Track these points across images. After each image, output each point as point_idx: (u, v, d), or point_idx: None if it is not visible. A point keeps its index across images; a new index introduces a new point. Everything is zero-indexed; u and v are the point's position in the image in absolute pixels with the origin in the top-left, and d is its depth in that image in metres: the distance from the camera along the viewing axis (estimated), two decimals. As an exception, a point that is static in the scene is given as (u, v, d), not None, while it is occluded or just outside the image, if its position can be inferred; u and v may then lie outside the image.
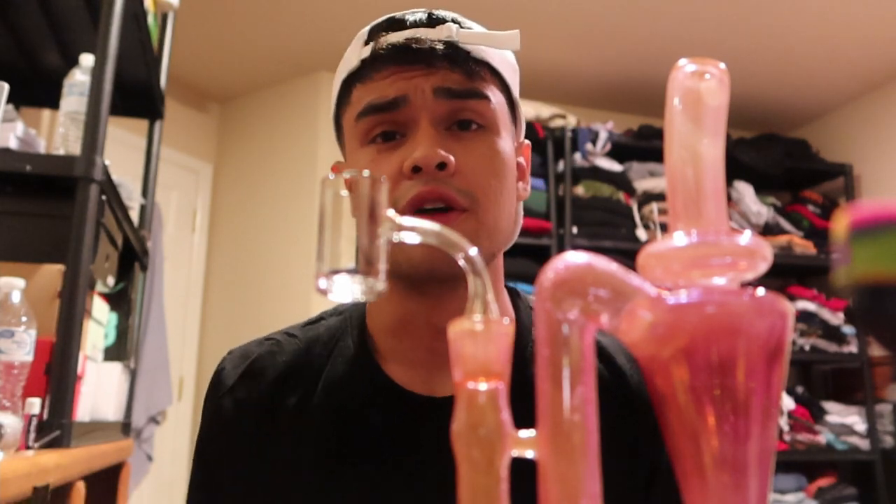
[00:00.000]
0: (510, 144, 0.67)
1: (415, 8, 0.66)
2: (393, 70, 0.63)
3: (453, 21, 0.65)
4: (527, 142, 0.73)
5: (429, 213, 0.60)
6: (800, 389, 3.12)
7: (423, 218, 0.56)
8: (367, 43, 0.65)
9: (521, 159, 0.71)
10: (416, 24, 0.64)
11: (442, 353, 0.61)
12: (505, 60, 0.67)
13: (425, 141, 0.60)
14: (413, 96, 0.62)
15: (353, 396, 0.66)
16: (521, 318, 0.69)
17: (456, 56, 0.63)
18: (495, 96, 0.65)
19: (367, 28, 0.67)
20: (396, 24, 0.64)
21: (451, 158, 0.60)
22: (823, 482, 3.00)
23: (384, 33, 0.64)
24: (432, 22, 0.64)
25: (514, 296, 0.72)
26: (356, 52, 0.66)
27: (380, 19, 0.66)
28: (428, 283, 0.63)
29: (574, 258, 0.26)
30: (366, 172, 0.27)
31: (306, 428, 0.65)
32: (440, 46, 0.62)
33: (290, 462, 0.64)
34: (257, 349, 0.70)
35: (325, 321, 0.72)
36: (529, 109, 3.00)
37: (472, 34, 0.64)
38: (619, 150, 3.08)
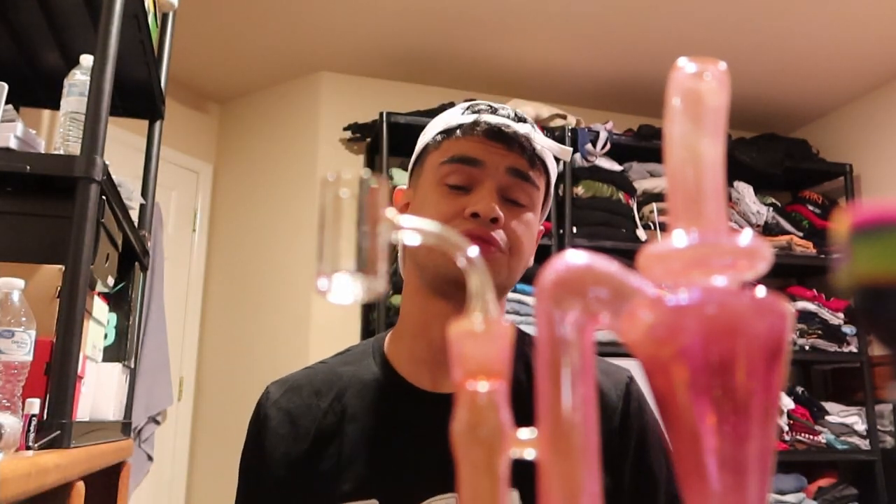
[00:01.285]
0: (537, 221, 0.85)
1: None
2: (482, 140, 0.80)
3: (529, 122, 0.85)
4: (543, 226, 0.90)
5: (476, 240, 0.74)
6: (800, 389, 3.12)
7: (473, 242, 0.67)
8: (466, 111, 0.84)
9: (538, 235, 0.88)
10: (507, 116, 0.83)
11: (448, 352, 0.73)
12: (552, 164, 0.86)
13: (489, 197, 0.78)
14: (489, 163, 0.80)
15: (374, 392, 0.81)
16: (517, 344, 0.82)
17: (525, 148, 0.81)
18: (540, 186, 0.83)
19: (471, 102, 0.87)
20: (495, 110, 0.83)
21: (503, 217, 0.78)
22: (823, 482, 3.00)
23: (484, 112, 0.83)
24: (518, 118, 0.83)
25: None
26: (457, 114, 0.84)
27: (481, 102, 0.86)
28: (458, 290, 0.74)
29: (574, 258, 0.26)
30: (367, 172, 0.27)
31: (343, 427, 0.79)
32: (518, 137, 0.80)
33: (336, 452, 0.78)
34: (296, 374, 0.86)
35: (353, 348, 0.89)
36: (529, 109, 3.01)
37: (542, 138, 0.84)
38: (619, 150, 3.08)
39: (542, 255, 2.79)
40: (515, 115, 0.84)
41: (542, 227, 0.89)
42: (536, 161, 0.82)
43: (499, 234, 0.78)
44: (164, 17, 1.99)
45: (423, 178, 0.84)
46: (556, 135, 3.04)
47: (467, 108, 0.85)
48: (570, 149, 0.79)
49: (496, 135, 0.80)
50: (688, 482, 0.24)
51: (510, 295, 2.64)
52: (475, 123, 0.81)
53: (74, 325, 1.12)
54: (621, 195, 3.05)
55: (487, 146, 0.80)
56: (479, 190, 0.79)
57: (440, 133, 0.84)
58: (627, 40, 3.02)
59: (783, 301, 0.25)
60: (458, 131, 0.82)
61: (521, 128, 0.82)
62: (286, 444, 0.80)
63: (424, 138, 0.87)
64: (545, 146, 0.83)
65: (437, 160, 0.82)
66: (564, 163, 2.99)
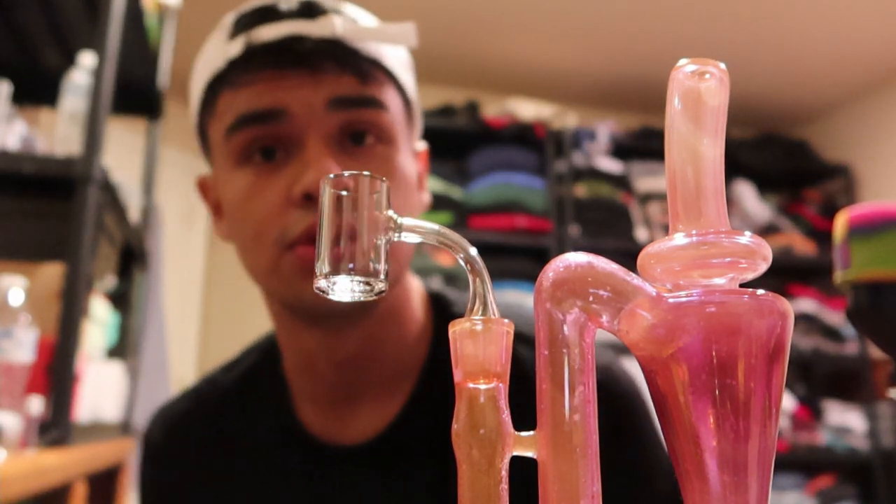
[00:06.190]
0: (409, 156, 0.59)
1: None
2: (270, 75, 0.53)
3: (335, 12, 0.55)
4: (423, 146, 0.65)
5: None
6: (800, 389, 3.12)
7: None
8: (233, 36, 0.55)
9: (419, 166, 0.63)
10: (292, 15, 0.53)
11: (347, 389, 0.61)
12: (398, 57, 0.58)
13: (317, 162, 0.52)
14: (296, 108, 0.52)
15: (271, 450, 0.63)
16: (438, 324, 0.64)
17: (344, 56, 0.53)
18: (392, 102, 0.57)
19: (232, 17, 0.56)
20: (268, 15, 0.54)
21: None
22: (823, 482, 3.00)
23: (254, 26, 0.54)
24: (312, 12, 0.54)
25: (442, 304, 0.65)
26: (220, 49, 0.55)
27: (247, 7, 0.56)
28: (323, 318, 0.57)
29: (574, 258, 0.26)
30: (367, 172, 0.27)
31: (232, 483, 0.63)
32: (325, 45, 0.53)
33: None
34: (180, 405, 0.68)
35: (245, 361, 0.69)
36: (530, 109, 3.01)
37: (361, 30, 0.53)
38: (619, 150, 3.08)
39: (543, 255, 2.75)
40: (308, 6, 0.54)
41: (423, 149, 0.64)
42: (369, 69, 0.55)
43: None
44: (165, 15, 1.99)
45: (216, 160, 0.59)
46: (557, 135, 3.04)
47: (232, 29, 0.55)
48: (410, 24, 0.53)
49: (286, 56, 0.52)
50: (688, 482, 0.25)
51: (511, 294, 2.65)
52: (249, 53, 0.53)
53: (74, 325, 1.12)
54: (621, 195, 3.05)
55: (282, 81, 0.53)
56: (301, 153, 0.53)
57: (207, 87, 0.57)
58: (627, 40, 3.02)
59: (783, 301, 0.25)
60: (229, 74, 0.54)
61: (320, 27, 0.53)
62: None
63: (193, 101, 0.60)
64: (374, 38, 0.54)
65: (219, 129, 0.56)
66: (565, 162, 2.99)
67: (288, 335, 0.62)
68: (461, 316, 0.26)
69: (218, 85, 0.56)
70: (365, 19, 0.57)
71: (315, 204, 0.51)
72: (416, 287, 0.65)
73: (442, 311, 0.65)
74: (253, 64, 0.53)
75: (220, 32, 0.57)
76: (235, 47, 0.54)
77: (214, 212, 0.65)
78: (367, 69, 0.55)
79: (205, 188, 0.65)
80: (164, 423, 0.68)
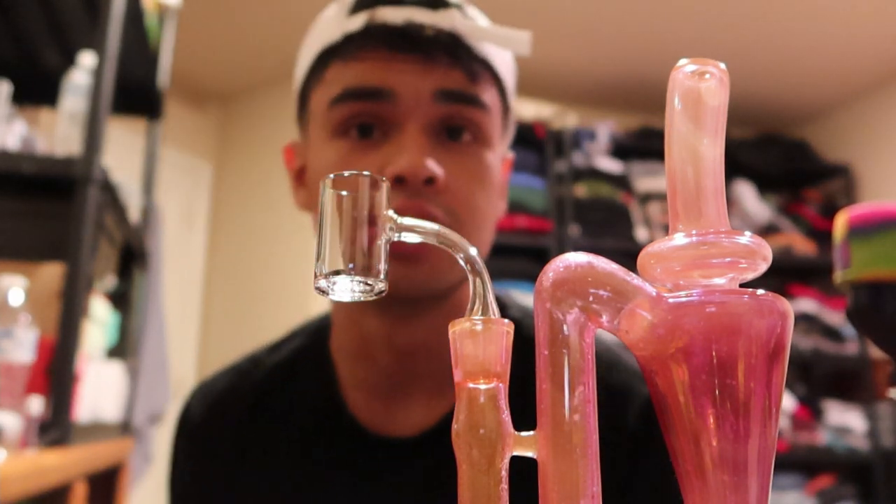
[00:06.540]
0: (498, 160, 0.59)
1: None
2: (383, 55, 0.53)
3: (457, 7, 0.56)
4: (510, 155, 0.66)
5: None
6: (800, 389, 3.12)
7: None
8: (354, 12, 0.55)
9: (503, 174, 0.63)
10: (416, 2, 0.54)
11: (404, 379, 0.60)
12: (506, 62, 0.60)
13: (413, 149, 0.52)
14: (403, 92, 0.53)
15: (315, 434, 0.61)
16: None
17: (458, 51, 0.54)
18: (494, 104, 0.58)
19: None
20: None
21: (441, 174, 0.52)
22: (823, 482, 3.00)
23: (377, 5, 0.54)
24: (435, 4, 0.54)
25: (500, 306, 0.64)
26: (338, 21, 0.56)
27: None
28: (392, 303, 0.56)
29: (574, 258, 0.26)
30: (367, 171, 0.27)
31: (273, 466, 0.61)
32: (442, 37, 0.53)
33: (259, 499, 0.61)
34: (221, 383, 0.66)
35: (291, 343, 0.67)
36: (530, 109, 3.00)
37: (480, 29, 0.55)
38: (619, 150, 3.08)
39: (543, 255, 2.75)
40: None
41: (509, 157, 0.65)
42: (479, 69, 0.56)
43: (440, 203, 0.53)
44: (165, 15, 1.99)
45: (313, 128, 0.59)
46: (557, 135, 3.04)
47: (354, 5, 0.56)
48: (527, 33, 0.55)
49: (404, 42, 0.53)
50: (688, 482, 0.25)
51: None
52: (368, 30, 0.54)
53: (74, 325, 1.12)
54: (621, 195, 3.05)
55: (395, 63, 0.53)
56: (398, 136, 0.54)
57: (319, 56, 0.57)
58: (628, 40, 3.02)
59: (783, 301, 0.25)
60: (344, 47, 0.55)
61: (440, 18, 0.54)
62: (214, 498, 0.63)
63: (300, 68, 0.61)
64: (490, 39, 0.55)
65: (323, 99, 0.56)
66: (565, 162, 2.99)
67: (349, 318, 0.61)
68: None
69: (329, 56, 0.56)
70: (482, 19, 0.59)
71: (406, 189, 0.52)
72: None
73: (500, 313, 0.64)
74: (369, 41, 0.54)
75: (340, 6, 0.57)
76: (355, 23, 0.55)
77: (295, 179, 0.65)
78: (477, 69, 0.55)
79: (290, 154, 0.65)
80: (205, 398, 0.66)
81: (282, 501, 0.60)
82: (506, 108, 0.61)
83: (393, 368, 0.60)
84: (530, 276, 2.73)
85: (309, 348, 0.65)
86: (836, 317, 3.13)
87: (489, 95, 0.57)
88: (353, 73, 0.54)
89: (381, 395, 0.61)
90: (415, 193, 0.53)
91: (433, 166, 0.52)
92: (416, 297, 0.56)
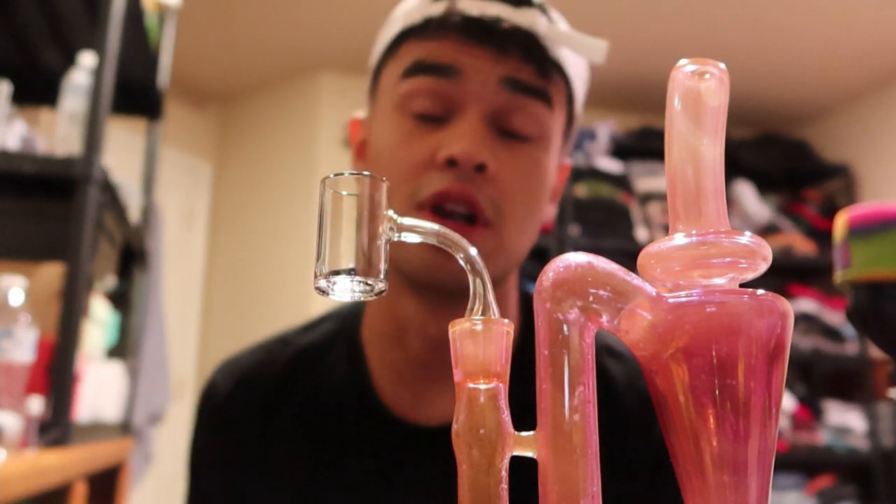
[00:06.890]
0: (555, 163, 0.59)
1: None
2: (458, 39, 0.54)
3: (539, 8, 0.56)
4: (568, 162, 0.66)
5: (448, 217, 0.53)
6: (800, 389, 3.11)
7: (442, 220, 0.51)
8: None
9: (558, 180, 0.63)
10: None
11: (435, 368, 0.60)
12: (580, 71, 0.60)
13: (470, 133, 0.52)
14: (471, 73, 0.53)
15: (342, 416, 0.61)
16: (526, 325, 0.63)
17: (532, 49, 0.54)
18: (559, 106, 0.57)
19: None
20: None
21: (493, 163, 0.53)
22: (823, 482, 3.00)
23: None
24: (519, 2, 0.55)
25: (531, 306, 0.64)
26: (422, 6, 0.57)
27: None
28: (430, 289, 0.57)
29: (574, 258, 0.26)
30: (367, 171, 0.27)
31: (297, 445, 0.61)
32: (519, 33, 0.54)
33: (281, 477, 0.61)
34: (249, 359, 0.66)
35: (322, 326, 0.67)
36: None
37: (558, 32, 0.55)
38: (619, 150, 3.08)
39: (543, 255, 2.77)
40: None
41: (567, 164, 0.65)
42: (550, 67, 0.56)
43: (486, 192, 0.53)
44: (165, 15, 1.99)
45: (380, 102, 0.60)
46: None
47: None
48: (604, 42, 0.57)
49: (483, 32, 0.54)
50: (688, 482, 0.25)
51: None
52: (448, 16, 0.55)
53: (74, 325, 1.12)
54: (621, 195, 3.05)
55: (469, 49, 0.54)
56: (459, 120, 0.54)
57: (397, 36, 0.58)
58: (628, 40, 3.02)
59: (783, 301, 0.25)
60: (423, 29, 0.56)
61: (522, 17, 0.54)
62: (236, 472, 0.62)
63: (378, 48, 0.61)
64: (566, 43, 0.56)
65: (395, 72, 0.57)
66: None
67: (387, 301, 0.60)
68: None
69: (407, 35, 0.57)
70: (563, 23, 0.59)
71: (455, 172, 0.53)
72: (513, 285, 0.64)
73: (530, 312, 0.64)
74: (446, 25, 0.55)
75: None
76: (437, 8, 0.56)
77: (357, 152, 0.65)
78: (549, 68, 0.56)
79: (355, 128, 0.66)
80: (232, 374, 0.65)
81: (303, 480, 0.60)
82: (570, 115, 0.61)
83: (423, 357, 0.60)
84: (530, 277, 2.73)
85: (340, 332, 0.65)
86: (836, 317, 3.13)
87: (556, 95, 0.57)
88: (424, 48, 0.55)
89: (410, 382, 0.61)
90: (464, 177, 0.53)
91: (485, 153, 0.52)
92: (454, 289, 0.55)
